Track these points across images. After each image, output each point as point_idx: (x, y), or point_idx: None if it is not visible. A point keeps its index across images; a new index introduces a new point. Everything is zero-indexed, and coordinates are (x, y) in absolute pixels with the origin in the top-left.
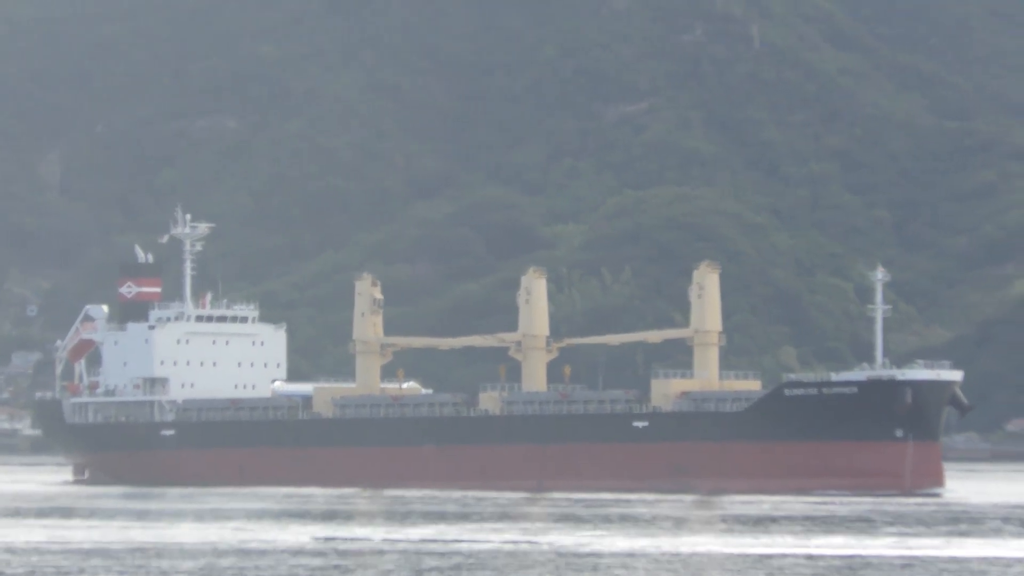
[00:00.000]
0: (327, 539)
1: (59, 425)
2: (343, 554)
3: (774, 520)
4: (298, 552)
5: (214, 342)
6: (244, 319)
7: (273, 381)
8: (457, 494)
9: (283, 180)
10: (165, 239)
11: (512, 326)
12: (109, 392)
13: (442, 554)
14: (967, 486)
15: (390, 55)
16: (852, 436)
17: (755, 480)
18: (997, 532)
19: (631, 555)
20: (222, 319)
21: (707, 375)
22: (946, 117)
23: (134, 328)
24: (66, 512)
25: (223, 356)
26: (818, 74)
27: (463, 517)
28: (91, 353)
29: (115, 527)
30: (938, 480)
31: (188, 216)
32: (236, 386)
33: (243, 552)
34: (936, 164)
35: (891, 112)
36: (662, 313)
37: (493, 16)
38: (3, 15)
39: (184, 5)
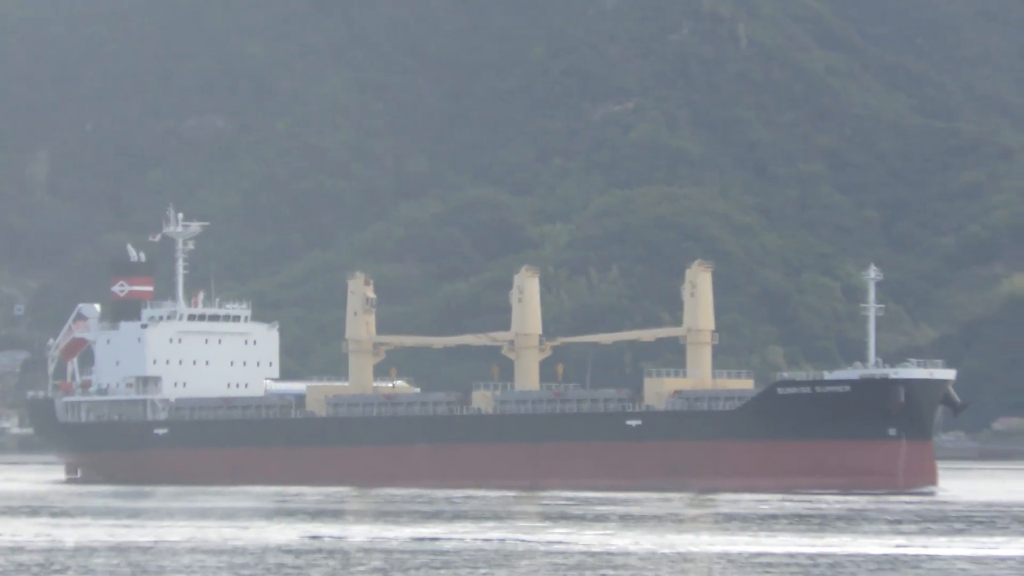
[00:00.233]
0: (314, 537)
1: (51, 424)
2: (330, 553)
3: (765, 519)
4: (285, 551)
5: (207, 341)
6: (236, 318)
7: (266, 380)
8: (449, 493)
9: (271, 179)
10: (158, 238)
11: (501, 325)
12: (102, 391)
13: (430, 553)
14: (960, 485)
15: (378, 55)
16: (845, 435)
17: (748, 479)
18: (1004, 530)
19: (622, 553)
20: (215, 318)
21: (700, 374)
22: (934, 117)
23: (127, 327)
24: (58, 511)
25: (216, 355)
26: (806, 74)
27: (454, 516)
28: (84, 352)
29: (102, 526)
30: (931, 479)
31: (180, 215)
32: (229, 385)
33: (230, 551)
34: (924, 164)
35: (879, 112)
36: (650, 313)
37: (481, 16)
38: None
39: (172, 5)
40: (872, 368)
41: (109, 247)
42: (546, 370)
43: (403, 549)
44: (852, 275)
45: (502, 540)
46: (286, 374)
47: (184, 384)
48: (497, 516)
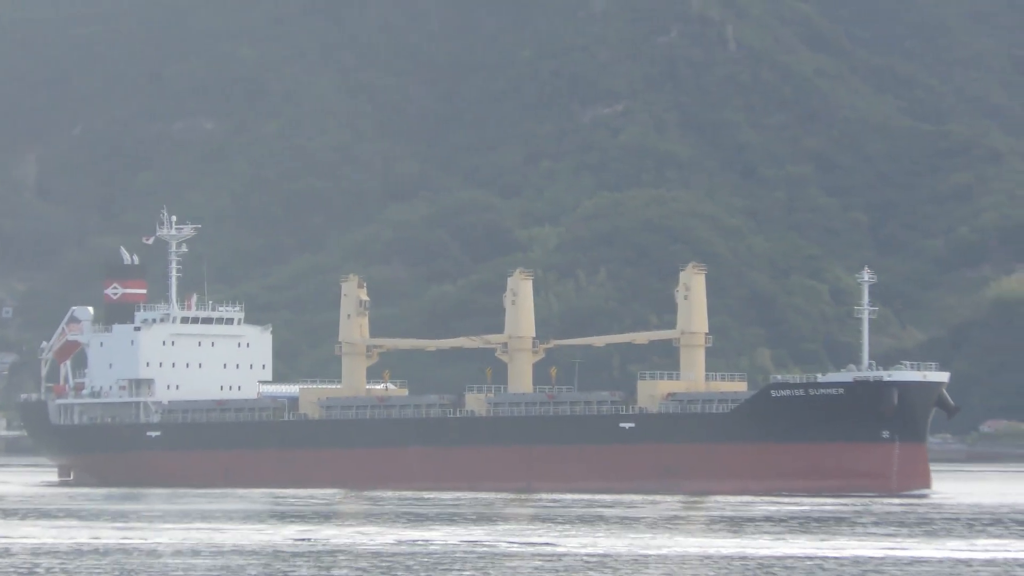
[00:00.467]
0: (302, 539)
1: (44, 426)
2: (319, 555)
3: (757, 521)
4: (274, 553)
5: (200, 343)
6: (230, 321)
7: (259, 383)
8: (442, 495)
9: (261, 181)
10: (151, 240)
11: (490, 328)
12: (95, 393)
13: (420, 554)
14: (953, 487)
15: (368, 57)
16: (839, 437)
17: (742, 481)
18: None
19: (612, 555)
20: (208, 320)
21: (693, 376)
22: (923, 119)
23: (120, 329)
24: (49, 513)
25: (209, 357)
26: (794, 76)
27: (445, 518)
28: (77, 354)
29: (91, 528)
30: (925, 481)
31: (174, 218)
32: (222, 387)
33: (218, 553)
34: (913, 166)
35: (868, 114)
36: (638, 315)
37: (471, 18)
38: None
39: (162, 7)
40: (866, 371)
41: (99, 249)
42: (539, 373)
43: (388, 552)
44: (840, 278)
45: (490, 543)
46: (276, 377)
47: (177, 386)
48: (486, 518)
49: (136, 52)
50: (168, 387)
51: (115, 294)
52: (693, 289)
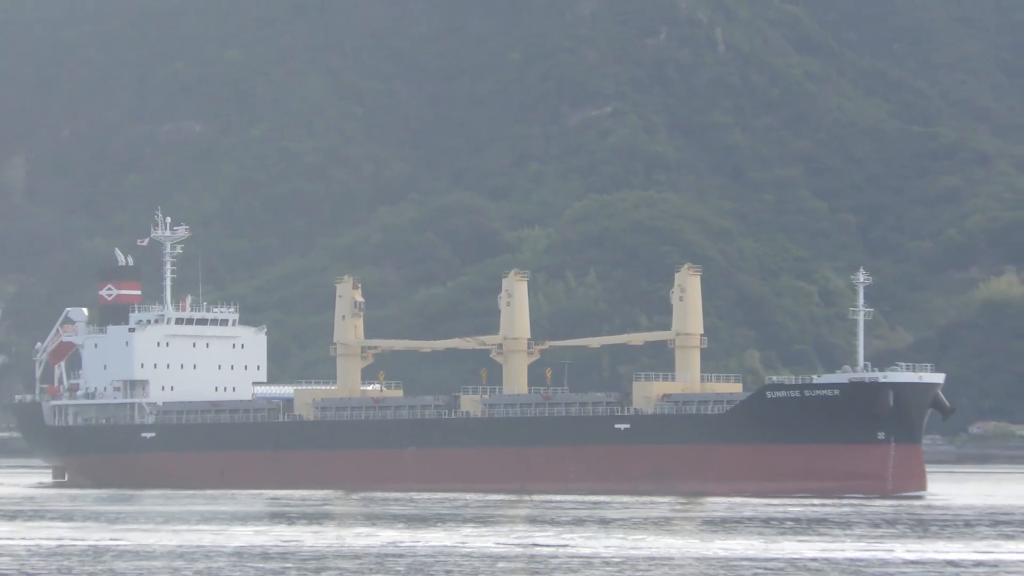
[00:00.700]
0: (290, 542)
1: (39, 427)
2: (309, 557)
3: (752, 521)
4: (260, 554)
5: (194, 345)
6: (224, 322)
7: (253, 384)
8: (436, 496)
9: (249, 184)
10: (146, 242)
11: (480, 329)
12: (89, 395)
13: (410, 556)
14: (949, 489)
15: (356, 60)
16: (834, 439)
17: (737, 483)
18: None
19: (606, 557)
20: (202, 322)
21: (689, 377)
22: (911, 122)
23: (114, 331)
24: (40, 514)
25: (203, 359)
26: (783, 78)
27: (439, 519)
28: (71, 356)
29: (81, 529)
30: (921, 483)
31: (168, 219)
32: (216, 388)
33: (207, 555)
34: (901, 169)
35: (856, 117)
36: (628, 317)
37: (459, 21)
38: None
39: (150, 9)
40: (861, 372)
41: (87, 251)
42: (534, 374)
43: (381, 553)
44: (829, 279)
45: (481, 544)
46: (266, 378)
47: (172, 388)
48: (480, 519)
49: (124, 55)
50: (163, 388)
51: (110, 295)
52: (688, 290)
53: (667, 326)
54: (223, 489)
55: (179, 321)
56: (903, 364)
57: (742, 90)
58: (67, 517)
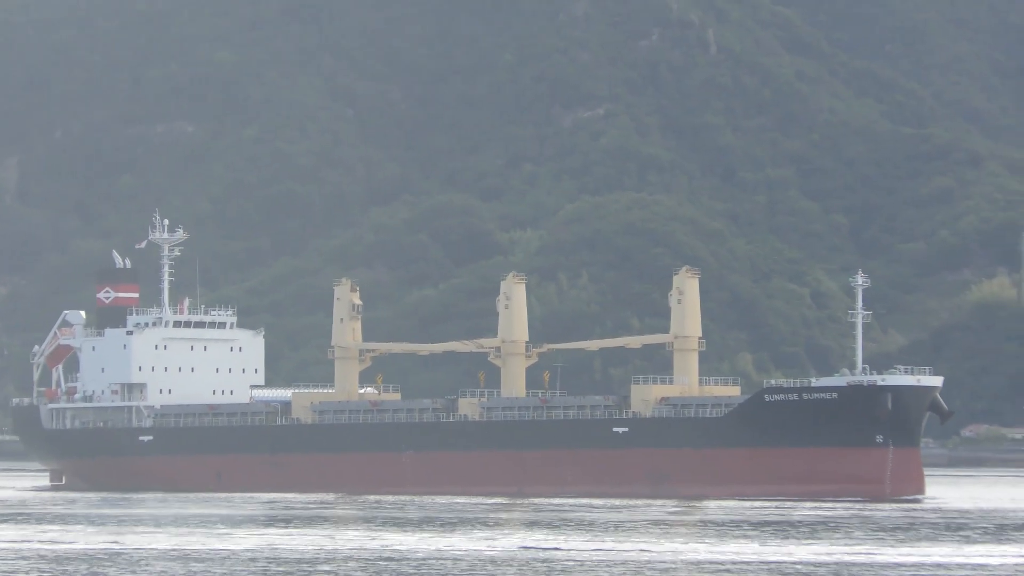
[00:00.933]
0: (276, 546)
1: (36, 431)
2: (302, 560)
3: (753, 525)
4: (251, 559)
5: (192, 348)
6: (222, 325)
7: (251, 387)
8: (434, 500)
9: (241, 185)
10: (144, 244)
11: (473, 331)
12: (87, 398)
13: (404, 560)
14: (948, 492)
15: (348, 61)
16: (833, 442)
17: (736, 486)
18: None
19: (601, 561)
20: (200, 325)
21: (687, 381)
22: (903, 123)
23: (112, 334)
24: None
25: (201, 362)
26: (775, 79)
27: (434, 522)
28: (69, 359)
29: (74, 533)
30: (919, 487)
31: (166, 221)
32: (214, 392)
33: (198, 558)
34: (893, 170)
35: (848, 118)
36: (620, 319)
37: (451, 22)
38: None
39: (141, 10)
40: (859, 375)
41: (80, 253)
42: (532, 377)
43: (378, 557)
44: (821, 281)
45: (476, 548)
46: None
47: (169, 391)
48: (479, 523)
49: (115, 56)
50: (160, 391)
51: (107, 298)
52: (687, 293)
53: (660, 328)
54: (221, 492)
55: (177, 324)
56: (901, 367)
57: (734, 91)
58: (61, 520)
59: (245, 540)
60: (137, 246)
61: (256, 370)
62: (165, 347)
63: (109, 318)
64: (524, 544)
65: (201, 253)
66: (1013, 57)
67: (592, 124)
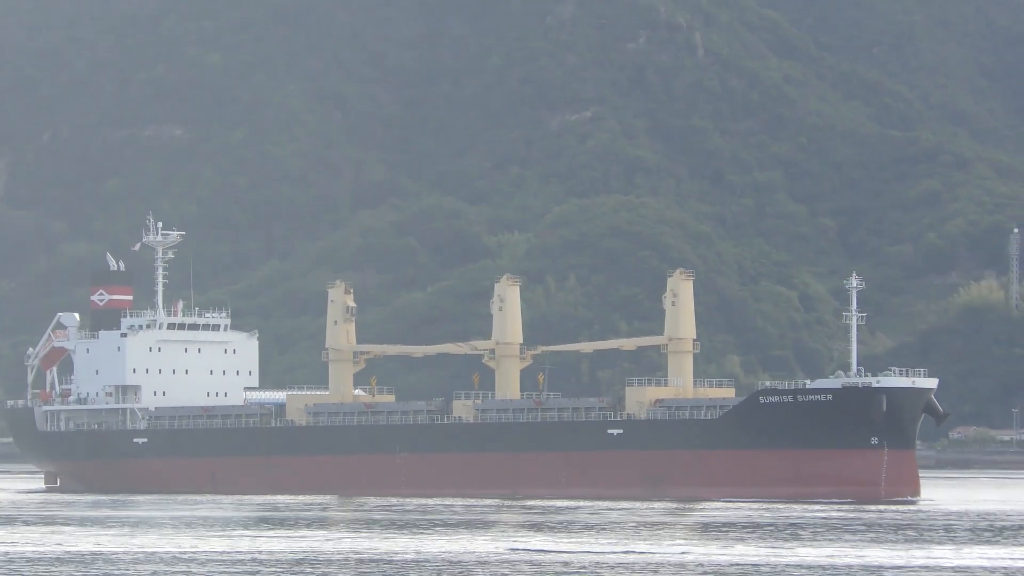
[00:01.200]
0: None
1: (30, 433)
2: (298, 562)
3: (750, 527)
4: (241, 560)
5: (186, 350)
6: (216, 327)
7: (245, 389)
8: (428, 501)
9: (229, 188)
10: (138, 247)
11: (461, 334)
12: (81, 400)
13: (401, 562)
14: (944, 495)
15: (336, 64)
16: (827, 444)
17: (730, 488)
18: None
19: (596, 563)
20: (194, 327)
21: (681, 383)
22: (890, 126)
23: (106, 336)
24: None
25: (195, 364)
26: (762, 83)
27: (429, 524)
28: (63, 361)
29: (68, 535)
30: (914, 488)
31: (160, 224)
32: (208, 394)
33: (193, 560)
34: (881, 173)
35: (836, 121)
36: (608, 321)
37: (438, 25)
38: None
39: (130, 14)
40: (854, 377)
41: (68, 255)
42: (526, 379)
43: (371, 559)
44: (809, 284)
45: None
46: None
47: (164, 393)
48: (472, 525)
49: (104, 59)
50: (155, 393)
51: (101, 300)
52: (681, 295)
53: (647, 331)
54: (215, 494)
55: (171, 326)
56: (896, 369)
57: (721, 94)
58: (49, 522)
59: (240, 542)
60: (133, 248)
61: (250, 372)
62: (159, 349)
63: (103, 320)
64: (513, 546)
65: (189, 256)
66: (1000, 60)
67: (579, 127)
